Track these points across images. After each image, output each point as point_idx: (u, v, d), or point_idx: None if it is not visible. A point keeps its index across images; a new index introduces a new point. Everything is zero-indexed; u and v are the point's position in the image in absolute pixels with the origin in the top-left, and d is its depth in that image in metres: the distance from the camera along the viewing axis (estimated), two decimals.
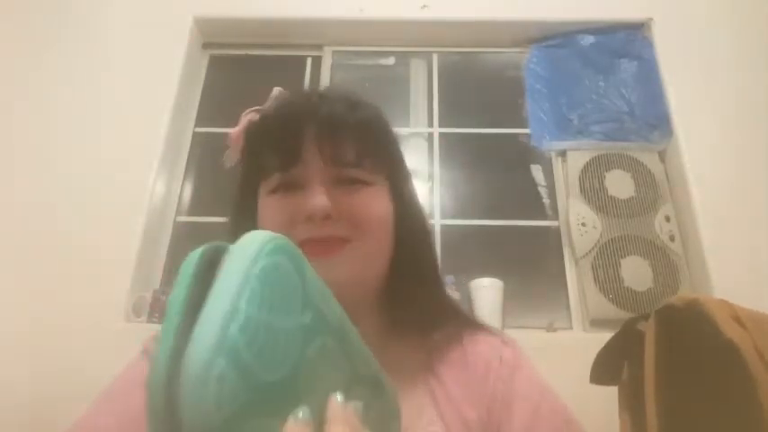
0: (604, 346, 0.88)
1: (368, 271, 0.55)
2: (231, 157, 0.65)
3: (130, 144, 1.85)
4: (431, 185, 1.95)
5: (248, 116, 0.64)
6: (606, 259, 1.72)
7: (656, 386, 0.62)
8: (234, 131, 0.64)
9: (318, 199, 0.51)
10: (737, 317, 0.57)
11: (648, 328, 0.71)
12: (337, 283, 0.38)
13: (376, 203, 0.56)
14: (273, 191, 0.55)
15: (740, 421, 0.54)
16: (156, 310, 1.65)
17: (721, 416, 0.56)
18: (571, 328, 1.72)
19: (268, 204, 0.55)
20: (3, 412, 1.43)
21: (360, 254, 0.53)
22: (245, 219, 0.57)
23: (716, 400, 0.56)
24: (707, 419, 0.57)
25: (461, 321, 0.61)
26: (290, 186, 0.54)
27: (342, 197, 0.53)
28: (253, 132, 0.61)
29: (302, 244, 0.47)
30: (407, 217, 0.59)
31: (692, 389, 0.59)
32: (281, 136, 0.55)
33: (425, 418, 0.52)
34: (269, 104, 0.63)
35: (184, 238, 1.91)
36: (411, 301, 0.57)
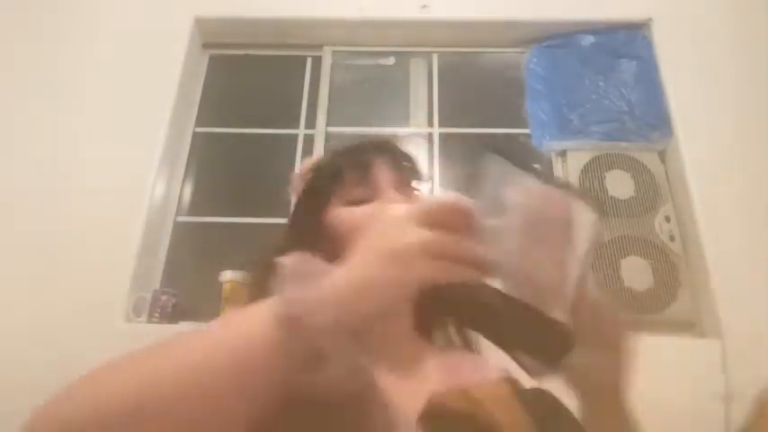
0: None
1: None
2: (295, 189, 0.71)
3: (130, 144, 1.85)
4: (430, 185, 1.95)
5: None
6: (606, 259, 1.72)
7: None
8: (301, 171, 0.71)
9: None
10: (466, 396, 0.51)
11: None
12: None
13: None
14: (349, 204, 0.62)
15: None
16: (156, 310, 1.65)
17: None
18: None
19: (351, 211, 0.61)
20: (3, 412, 1.42)
21: None
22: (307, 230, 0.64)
23: None
24: None
25: None
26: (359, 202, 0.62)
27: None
28: (330, 161, 0.68)
29: None
30: None
31: None
32: (360, 159, 0.65)
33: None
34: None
35: (184, 238, 1.91)
36: None
